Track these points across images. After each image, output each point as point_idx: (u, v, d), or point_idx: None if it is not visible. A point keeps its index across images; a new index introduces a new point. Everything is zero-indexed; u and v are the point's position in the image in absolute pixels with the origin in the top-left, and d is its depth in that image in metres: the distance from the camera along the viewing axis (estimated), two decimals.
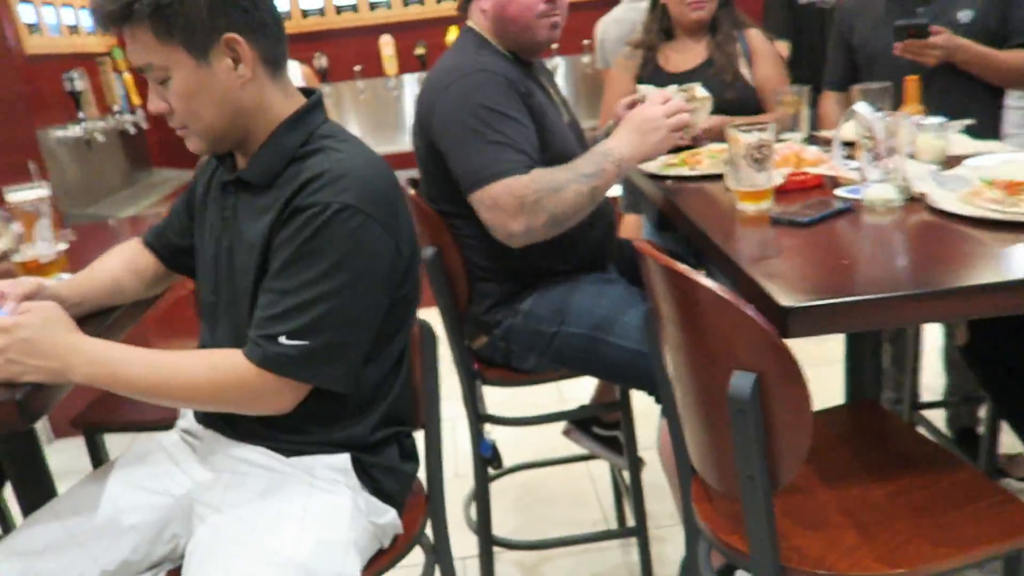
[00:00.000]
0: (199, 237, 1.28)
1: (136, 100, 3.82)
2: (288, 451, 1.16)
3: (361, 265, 1.07)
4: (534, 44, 1.64)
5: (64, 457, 2.30)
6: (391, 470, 1.22)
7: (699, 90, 1.62)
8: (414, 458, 1.30)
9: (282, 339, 1.05)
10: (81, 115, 3.25)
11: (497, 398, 1.82)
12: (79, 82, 3.22)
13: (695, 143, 1.82)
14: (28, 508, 1.30)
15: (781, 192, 1.45)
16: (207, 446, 1.23)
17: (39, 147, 2.99)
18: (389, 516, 1.19)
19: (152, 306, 1.47)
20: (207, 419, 1.23)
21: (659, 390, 1.32)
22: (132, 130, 3.73)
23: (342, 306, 1.07)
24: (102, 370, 1.05)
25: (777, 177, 1.44)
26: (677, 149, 1.69)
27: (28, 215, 1.50)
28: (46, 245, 1.51)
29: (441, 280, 1.73)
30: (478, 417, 1.81)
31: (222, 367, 1.07)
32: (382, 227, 1.09)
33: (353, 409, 1.18)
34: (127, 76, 3.80)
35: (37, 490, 1.41)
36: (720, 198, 1.55)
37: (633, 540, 1.97)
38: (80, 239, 2.00)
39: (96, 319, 1.29)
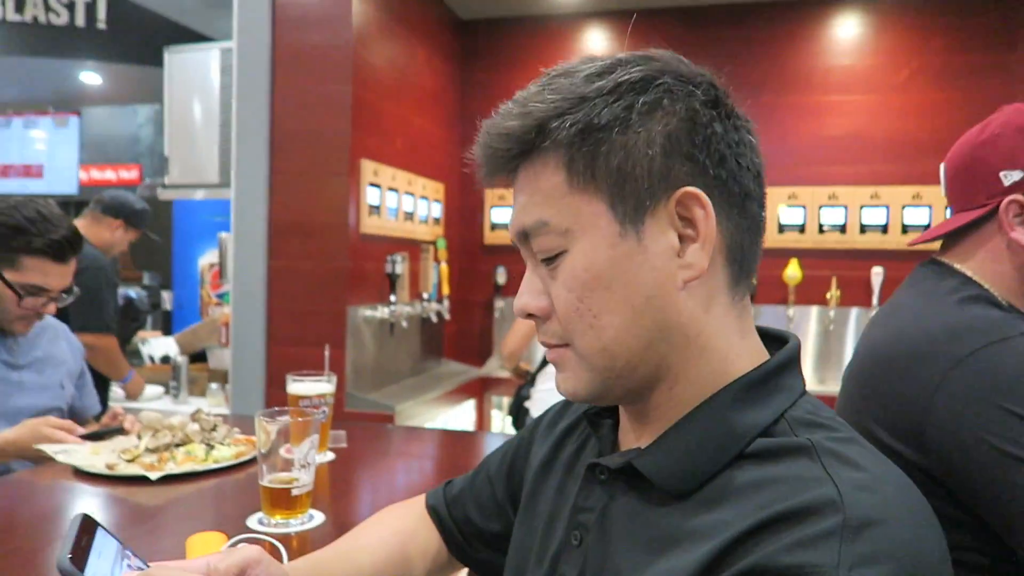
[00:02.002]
0: (522, 532, 0.78)
1: (445, 290, 3.75)
2: None
3: None
4: None
5: None
6: None
7: None
8: None
9: None
10: (393, 298, 3.16)
11: None
12: (400, 265, 3.17)
13: None
14: None
15: None
16: None
17: (346, 321, 2.91)
18: None
19: None
20: None
21: None
22: (434, 319, 3.63)
23: None
24: None
25: None
26: None
27: (299, 419, 1.13)
28: (306, 473, 1.12)
29: None
30: None
31: None
32: None
33: None
34: (444, 267, 3.77)
35: None
36: None
37: None
38: (352, 449, 1.65)
39: None
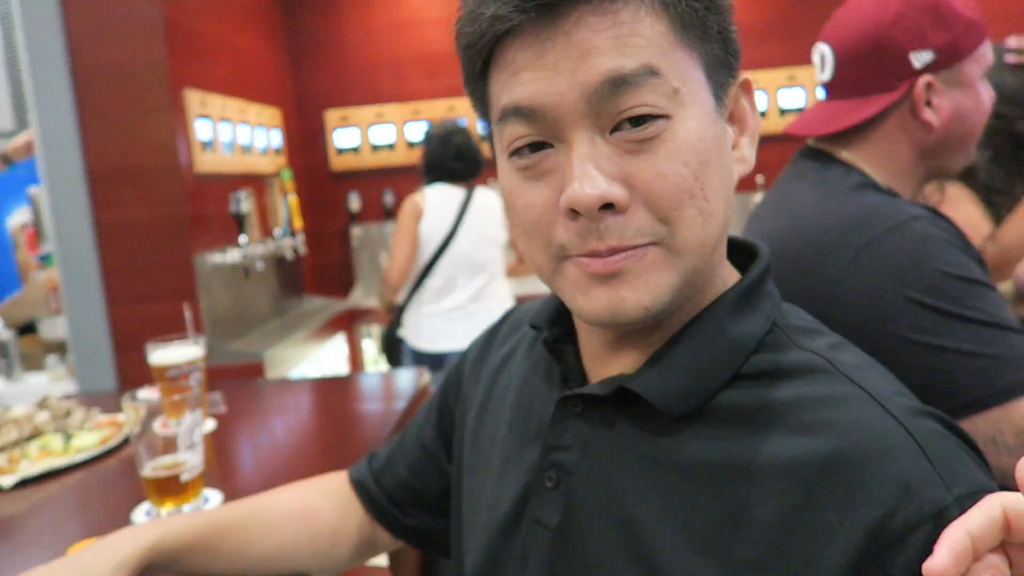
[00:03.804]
0: (469, 483, 0.72)
1: (298, 223, 3.54)
2: None
3: None
4: (954, 172, 1.09)
5: None
6: None
7: None
8: None
9: None
10: (243, 239, 2.94)
11: None
12: (245, 203, 2.94)
13: None
14: None
15: None
16: None
17: (194, 271, 2.68)
18: None
19: None
20: None
21: None
22: (290, 255, 3.43)
23: None
24: None
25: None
26: None
27: (175, 397, 1.00)
28: (193, 453, 1.00)
29: None
30: None
31: None
32: None
33: None
34: (292, 199, 3.54)
35: None
36: None
37: None
38: (231, 411, 1.53)
39: None
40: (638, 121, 0.50)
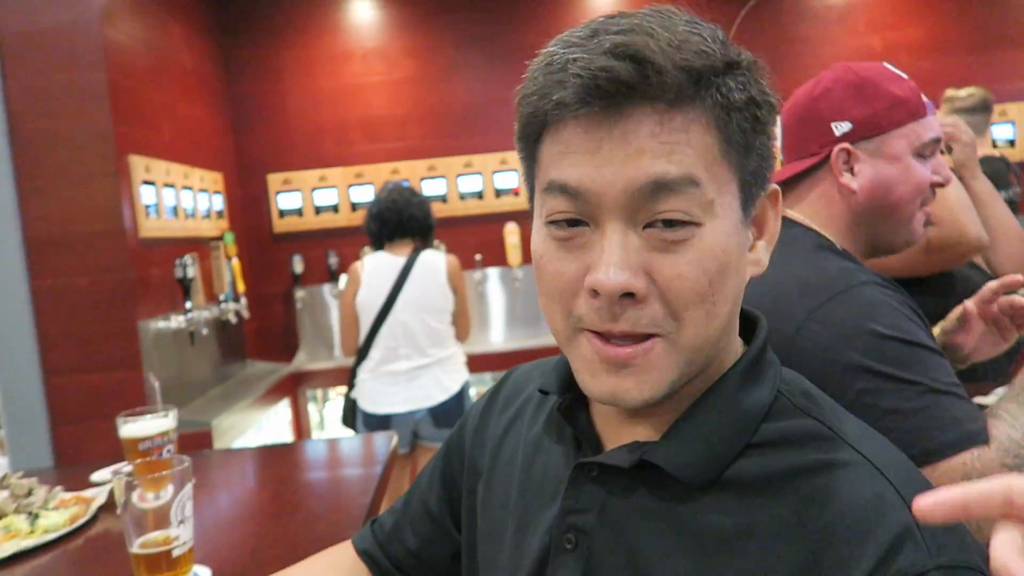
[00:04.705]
0: (485, 546, 0.73)
1: (241, 287, 3.50)
2: None
3: None
4: (896, 245, 1.17)
5: None
6: None
7: None
8: None
9: None
10: (188, 304, 2.89)
11: None
12: (191, 268, 2.90)
13: None
14: None
15: None
16: None
17: (139, 338, 2.61)
18: None
19: None
20: None
21: None
22: (234, 320, 3.37)
23: None
24: None
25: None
26: None
27: (163, 472, 1.00)
28: (184, 528, 0.99)
29: None
30: None
31: None
32: None
33: None
34: (236, 263, 3.50)
35: None
36: None
37: None
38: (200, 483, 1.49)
39: None
40: (671, 223, 0.54)
